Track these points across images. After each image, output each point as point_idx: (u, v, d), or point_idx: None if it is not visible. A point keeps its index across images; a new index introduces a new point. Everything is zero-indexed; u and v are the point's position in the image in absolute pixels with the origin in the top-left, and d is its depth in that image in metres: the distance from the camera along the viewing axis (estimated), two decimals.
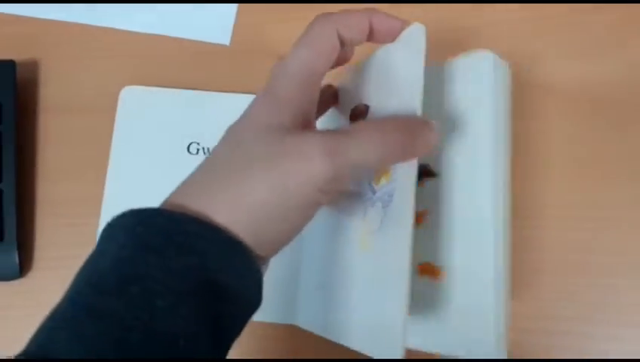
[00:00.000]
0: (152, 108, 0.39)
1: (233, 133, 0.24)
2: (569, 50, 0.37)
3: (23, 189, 0.40)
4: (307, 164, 0.22)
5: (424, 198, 0.29)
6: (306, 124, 0.24)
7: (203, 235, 0.21)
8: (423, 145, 0.24)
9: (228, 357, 0.24)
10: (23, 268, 0.39)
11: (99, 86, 0.41)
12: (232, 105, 0.33)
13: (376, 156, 0.23)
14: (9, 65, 0.39)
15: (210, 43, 0.40)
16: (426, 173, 0.30)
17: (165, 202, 0.23)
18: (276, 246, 0.24)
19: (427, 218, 0.29)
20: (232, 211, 0.22)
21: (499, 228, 0.27)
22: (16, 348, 0.37)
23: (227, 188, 0.22)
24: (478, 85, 0.28)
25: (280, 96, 0.24)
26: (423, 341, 0.28)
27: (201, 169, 0.24)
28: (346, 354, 0.34)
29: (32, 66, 0.41)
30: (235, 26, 0.40)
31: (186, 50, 0.40)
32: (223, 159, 0.23)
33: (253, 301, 0.23)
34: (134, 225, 0.22)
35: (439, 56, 0.29)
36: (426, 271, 0.29)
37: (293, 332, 0.35)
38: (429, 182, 0.30)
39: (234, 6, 0.40)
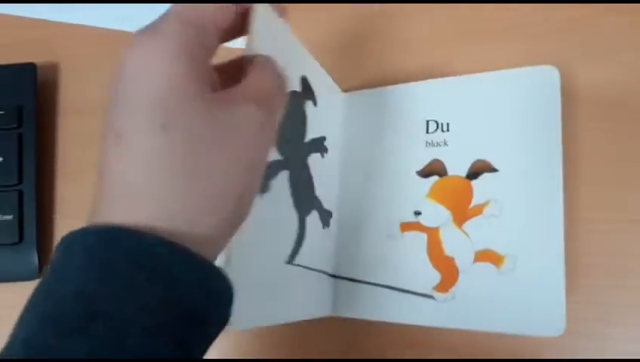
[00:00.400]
0: None
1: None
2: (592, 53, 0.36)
3: (43, 190, 0.42)
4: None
5: (484, 191, 0.34)
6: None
7: (175, 260, 0.19)
8: None
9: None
10: (42, 268, 0.41)
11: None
12: None
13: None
14: (30, 68, 0.42)
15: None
16: (485, 167, 0.34)
17: (109, 214, 0.20)
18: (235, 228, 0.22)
19: (487, 209, 0.33)
20: (191, 218, 0.20)
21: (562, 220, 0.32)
22: None
23: (177, 191, 0.20)
24: (543, 95, 0.33)
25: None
26: (489, 322, 0.33)
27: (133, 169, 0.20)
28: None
29: (52, 69, 0.44)
30: None
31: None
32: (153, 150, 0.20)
33: (226, 320, 0.22)
34: (96, 245, 0.19)
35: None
36: (487, 257, 0.33)
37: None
38: (489, 176, 0.34)
39: None
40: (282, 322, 0.33)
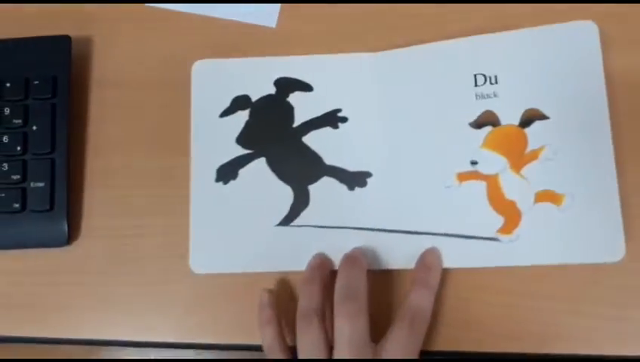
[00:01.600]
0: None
1: None
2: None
3: (75, 160, 0.41)
4: None
5: (537, 138, 0.36)
6: None
7: None
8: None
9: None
10: (71, 236, 0.39)
11: (151, 62, 0.43)
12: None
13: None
14: (65, 40, 0.41)
15: (257, 25, 0.43)
16: (536, 115, 0.36)
17: None
18: None
19: (543, 154, 0.35)
20: None
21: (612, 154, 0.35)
22: (63, 315, 0.37)
23: None
24: (585, 50, 0.36)
25: None
26: (554, 256, 0.35)
27: None
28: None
29: (87, 42, 0.43)
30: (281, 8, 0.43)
31: (234, 32, 0.43)
32: None
33: None
34: None
35: None
36: (547, 197, 0.35)
37: None
38: (540, 123, 0.36)
39: None
40: (271, 270, 0.38)
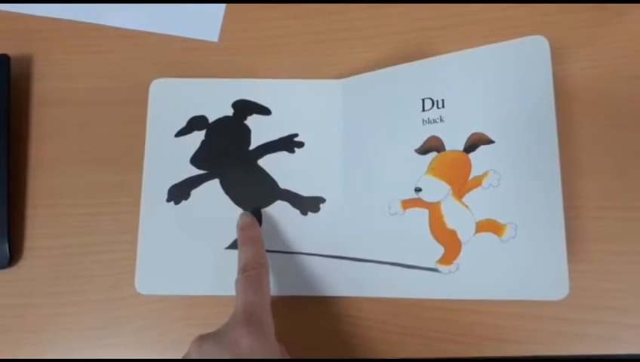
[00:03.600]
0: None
1: None
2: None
3: (15, 180, 0.40)
4: None
5: (481, 163, 0.34)
6: None
7: None
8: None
9: None
10: (13, 257, 0.39)
11: (91, 80, 0.42)
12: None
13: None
14: (3, 60, 0.40)
15: (198, 39, 0.42)
16: (481, 140, 0.35)
17: None
18: None
19: (486, 180, 0.34)
20: None
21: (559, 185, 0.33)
22: (4, 338, 0.37)
23: None
24: (535, 67, 0.35)
25: None
26: (494, 290, 0.34)
27: None
28: (343, 354, 0.36)
29: (26, 61, 0.42)
30: (223, 23, 0.42)
31: (175, 46, 0.42)
32: None
33: None
34: None
35: None
36: (489, 227, 0.34)
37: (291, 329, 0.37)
38: (485, 148, 0.35)
39: (222, 4, 0.43)
40: (218, 294, 0.37)
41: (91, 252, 0.39)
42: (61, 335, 0.39)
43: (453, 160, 0.35)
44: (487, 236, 0.34)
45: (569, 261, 0.32)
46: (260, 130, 0.40)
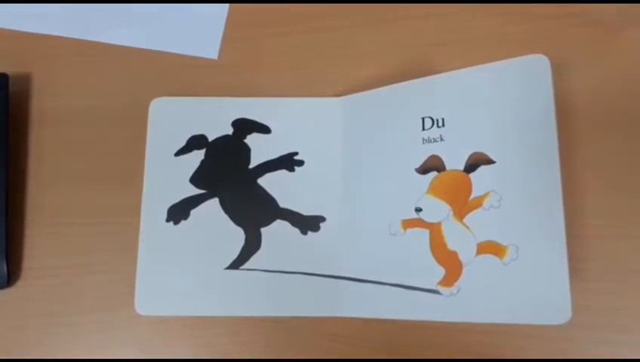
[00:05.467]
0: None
1: None
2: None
3: (14, 199, 0.40)
4: None
5: (482, 183, 0.34)
6: None
7: None
8: None
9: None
10: (11, 277, 0.39)
11: (90, 98, 0.42)
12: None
13: None
14: (1, 79, 0.40)
15: (198, 57, 0.42)
16: (482, 159, 0.34)
17: None
18: None
19: (487, 201, 0.34)
20: None
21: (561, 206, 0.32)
22: (1, 358, 0.37)
23: None
24: (536, 86, 0.34)
25: None
26: (495, 314, 0.33)
27: None
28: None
29: (25, 79, 0.42)
30: (222, 40, 0.42)
31: (175, 64, 0.42)
32: None
33: None
34: None
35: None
36: (490, 249, 0.33)
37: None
38: (486, 168, 0.34)
39: (222, 21, 0.43)
40: (217, 314, 0.37)
41: (90, 272, 0.39)
42: (60, 356, 0.38)
43: (453, 180, 0.35)
44: (489, 258, 0.33)
45: (572, 281, 0.31)
46: (260, 149, 0.40)
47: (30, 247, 0.40)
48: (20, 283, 0.39)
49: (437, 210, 0.35)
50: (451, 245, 0.34)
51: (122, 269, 0.39)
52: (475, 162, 0.35)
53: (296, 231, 0.38)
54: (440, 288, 0.34)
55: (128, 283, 0.38)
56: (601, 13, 0.40)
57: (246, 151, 0.40)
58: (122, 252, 0.39)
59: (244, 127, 0.40)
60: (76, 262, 0.40)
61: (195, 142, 0.40)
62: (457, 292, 0.34)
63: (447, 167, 0.35)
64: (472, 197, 0.34)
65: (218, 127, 0.40)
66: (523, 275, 0.32)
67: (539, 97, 0.34)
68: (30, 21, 0.43)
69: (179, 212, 0.39)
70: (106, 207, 0.40)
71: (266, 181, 0.39)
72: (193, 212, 0.39)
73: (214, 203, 0.39)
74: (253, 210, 0.39)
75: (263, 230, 0.38)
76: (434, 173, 0.36)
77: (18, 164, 0.41)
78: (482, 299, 0.33)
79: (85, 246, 0.40)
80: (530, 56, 0.34)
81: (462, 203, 0.35)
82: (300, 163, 0.39)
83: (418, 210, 0.35)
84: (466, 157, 0.35)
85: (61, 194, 0.40)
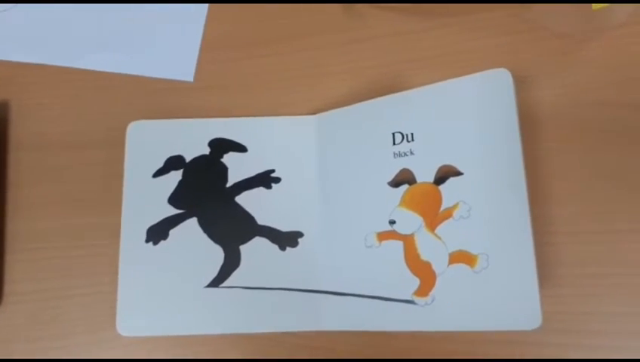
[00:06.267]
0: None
1: None
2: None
3: None
4: None
5: (451, 195, 0.35)
6: None
7: None
8: None
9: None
10: None
11: (67, 124, 0.42)
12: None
13: None
14: None
15: (174, 80, 0.43)
16: (450, 171, 0.35)
17: None
18: None
19: (457, 212, 0.35)
20: None
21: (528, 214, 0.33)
22: None
23: None
24: (499, 99, 0.35)
25: None
26: (469, 322, 0.34)
27: None
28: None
29: (2, 106, 0.43)
30: (197, 62, 0.43)
31: (151, 88, 0.43)
32: None
33: None
34: None
35: None
36: (461, 258, 0.34)
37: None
38: (455, 180, 0.35)
39: (197, 44, 0.44)
40: (199, 333, 0.38)
41: (71, 295, 0.40)
42: None
43: (424, 192, 0.36)
44: (461, 267, 0.34)
45: (542, 287, 0.32)
46: (237, 168, 0.40)
47: (10, 272, 0.40)
48: (1, 309, 0.39)
49: (410, 221, 0.36)
50: (425, 255, 0.35)
51: (103, 291, 0.39)
52: (444, 174, 0.36)
53: (275, 247, 0.39)
54: (415, 298, 0.35)
55: (110, 304, 0.38)
56: (565, 27, 0.41)
57: (223, 170, 0.40)
58: (103, 274, 0.39)
59: (221, 146, 0.41)
60: (57, 286, 0.40)
61: (173, 163, 0.40)
62: (432, 301, 0.34)
63: (418, 180, 0.36)
64: (442, 208, 0.35)
65: (195, 148, 0.41)
66: (494, 283, 0.33)
67: (502, 110, 0.35)
68: (6, 49, 0.43)
69: (158, 232, 0.39)
70: (86, 229, 0.40)
71: (243, 199, 0.40)
72: (172, 232, 0.39)
73: (193, 222, 0.40)
74: (231, 228, 0.39)
75: (242, 247, 0.39)
76: (405, 186, 0.37)
77: None
78: (456, 308, 0.34)
79: (66, 270, 0.40)
80: (492, 71, 0.36)
81: (433, 214, 0.36)
82: (277, 180, 0.40)
83: (392, 222, 0.36)
84: (435, 170, 0.36)
85: (40, 218, 0.41)
